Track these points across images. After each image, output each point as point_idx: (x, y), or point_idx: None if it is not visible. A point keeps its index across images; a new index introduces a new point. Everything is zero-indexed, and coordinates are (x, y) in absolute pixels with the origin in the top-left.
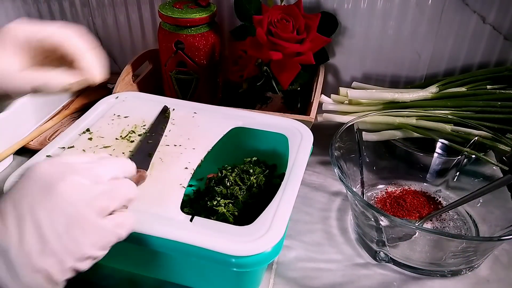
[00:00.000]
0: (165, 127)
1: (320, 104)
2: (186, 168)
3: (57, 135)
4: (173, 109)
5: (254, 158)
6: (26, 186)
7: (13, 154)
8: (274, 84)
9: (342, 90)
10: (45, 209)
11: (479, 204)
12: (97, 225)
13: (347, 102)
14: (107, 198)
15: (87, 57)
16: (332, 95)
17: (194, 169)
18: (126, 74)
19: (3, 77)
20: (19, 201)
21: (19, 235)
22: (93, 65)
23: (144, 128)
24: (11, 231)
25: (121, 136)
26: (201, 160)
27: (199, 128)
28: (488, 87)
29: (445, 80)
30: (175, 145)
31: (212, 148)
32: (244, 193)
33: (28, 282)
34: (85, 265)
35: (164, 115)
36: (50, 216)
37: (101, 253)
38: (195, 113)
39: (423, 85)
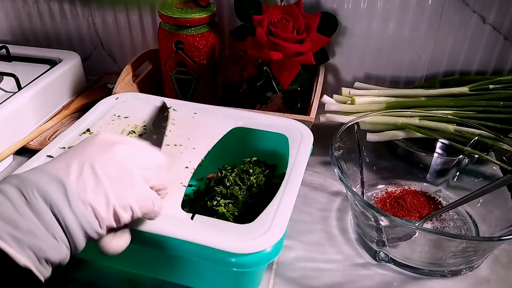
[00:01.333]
0: (166, 125)
1: (322, 105)
2: (187, 167)
3: (57, 135)
4: (174, 109)
5: (254, 158)
6: (88, 143)
7: (13, 154)
8: (274, 84)
9: (345, 90)
10: (102, 160)
11: (479, 204)
12: (142, 186)
13: (350, 102)
14: (152, 173)
15: None
16: (334, 96)
17: (195, 168)
18: (126, 74)
19: None
20: (81, 152)
21: (78, 174)
22: None
23: (144, 129)
24: (72, 170)
25: None
26: (202, 160)
27: (199, 128)
28: (491, 86)
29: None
30: (175, 145)
31: (212, 148)
32: (244, 193)
33: (78, 211)
34: (125, 216)
35: (163, 114)
36: (106, 165)
37: (138, 213)
38: (195, 113)
39: (423, 85)
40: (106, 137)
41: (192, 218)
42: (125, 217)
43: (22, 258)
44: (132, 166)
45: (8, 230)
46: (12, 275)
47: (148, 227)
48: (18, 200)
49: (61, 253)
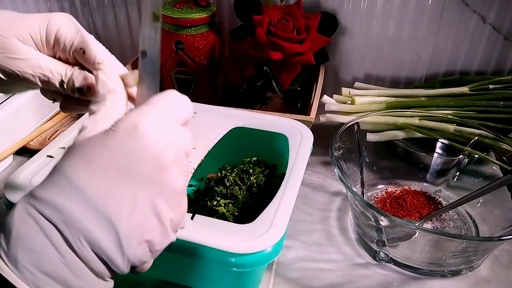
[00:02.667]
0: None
1: (322, 105)
2: None
3: (57, 135)
4: None
5: (254, 158)
6: (137, 155)
7: (13, 154)
8: (274, 84)
9: (345, 90)
10: (158, 190)
11: (479, 204)
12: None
13: (350, 102)
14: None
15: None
16: (334, 96)
17: (195, 168)
18: None
19: (14, 49)
20: (129, 172)
21: (131, 208)
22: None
23: None
24: (123, 203)
25: None
26: (202, 160)
27: (199, 128)
28: (491, 86)
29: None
30: None
31: (212, 147)
32: (244, 193)
33: (131, 255)
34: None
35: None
36: (162, 196)
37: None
38: (195, 113)
39: (423, 85)
40: (154, 148)
41: (192, 218)
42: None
43: None
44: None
45: None
46: None
47: None
48: (65, 249)
49: None
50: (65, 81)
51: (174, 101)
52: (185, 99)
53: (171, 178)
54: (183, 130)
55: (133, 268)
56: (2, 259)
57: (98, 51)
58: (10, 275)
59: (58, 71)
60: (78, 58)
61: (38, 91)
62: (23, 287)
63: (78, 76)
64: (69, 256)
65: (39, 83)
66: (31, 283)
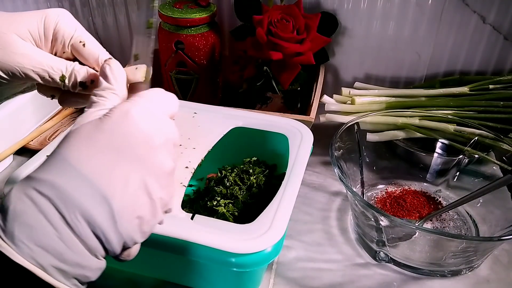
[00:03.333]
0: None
1: (322, 105)
2: (187, 167)
3: (57, 135)
4: None
5: (254, 158)
6: (127, 136)
7: (13, 154)
8: (274, 84)
9: (345, 90)
10: (150, 170)
11: (479, 204)
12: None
13: (350, 102)
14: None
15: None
16: (334, 96)
17: (195, 168)
18: None
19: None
20: (122, 150)
21: (123, 185)
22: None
23: None
24: (116, 180)
25: None
26: (202, 160)
27: (199, 128)
28: (491, 86)
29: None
30: None
31: (212, 147)
32: (244, 193)
33: (124, 231)
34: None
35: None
36: (154, 176)
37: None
38: (195, 113)
39: (423, 85)
40: (144, 130)
41: (192, 218)
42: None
43: None
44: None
45: (54, 263)
46: None
47: None
48: (60, 225)
49: (101, 269)
50: (66, 76)
51: (162, 95)
52: (172, 95)
53: (161, 159)
54: (170, 121)
55: (122, 252)
56: (0, 236)
57: (97, 45)
58: (7, 249)
59: (58, 67)
60: (75, 53)
61: (37, 92)
62: (20, 260)
63: (80, 71)
64: (64, 231)
65: (39, 79)
66: (28, 256)
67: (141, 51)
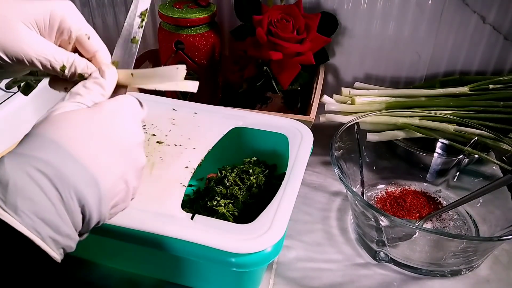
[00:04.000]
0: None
1: (322, 105)
2: (187, 167)
3: None
4: (174, 109)
5: (254, 158)
6: (116, 126)
7: None
8: (274, 84)
9: (345, 90)
10: (132, 168)
11: (479, 204)
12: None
13: (350, 102)
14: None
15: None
16: (334, 96)
17: (195, 168)
18: None
19: (18, 35)
20: (112, 139)
21: (114, 179)
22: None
23: (144, 128)
24: (109, 171)
25: None
26: (202, 160)
27: (200, 128)
28: (491, 86)
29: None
30: (175, 145)
31: (212, 147)
32: (244, 193)
33: (104, 213)
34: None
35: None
36: (135, 175)
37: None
38: (195, 113)
39: (423, 85)
40: (131, 128)
41: (192, 218)
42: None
43: (57, 256)
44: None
45: (51, 234)
46: (48, 270)
47: (148, 227)
48: (57, 201)
49: (77, 241)
50: (67, 67)
51: (137, 102)
52: (144, 103)
53: (139, 155)
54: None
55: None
56: (1, 207)
57: (99, 39)
58: (10, 219)
59: (60, 57)
60: (78, 45)
61: (37, 92)
62: (22, 229)
63: (80, 63)
64: (60, 207)
65: (40, 67)
66: (30, 226)
67: (121, 60)
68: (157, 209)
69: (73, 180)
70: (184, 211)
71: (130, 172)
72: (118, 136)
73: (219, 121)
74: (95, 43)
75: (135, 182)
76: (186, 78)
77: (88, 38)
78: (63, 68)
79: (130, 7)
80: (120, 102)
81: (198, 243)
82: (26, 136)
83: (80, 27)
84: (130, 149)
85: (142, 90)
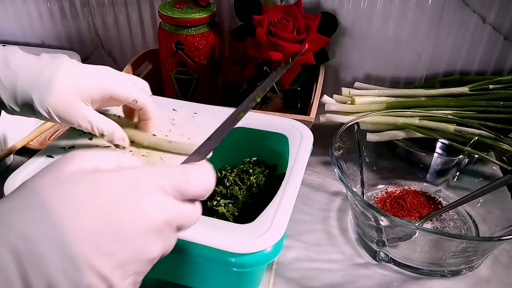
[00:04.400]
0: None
1: (322, 105)
2: None
3: (57, 135)
4: (174, 109)
5: (254, 158)
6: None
7: (13, 154)
8: (274, 84)
9: (345, 90)
10: (129, 256)
11: (479, 204)
12: None
13: (350, 102)
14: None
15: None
16: (334, 95)
17: None
18: None
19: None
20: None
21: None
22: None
23: None
24: (94, 251)
25: None
26: None
27: (200, 128)
28: (491, 86)
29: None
30: None
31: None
32: (244, 193)
33: None
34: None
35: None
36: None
37: None
38: (195, 113)
39: (423, 85)
40: (149, 217)
41: None
42: None
43: None
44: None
45: None
46: None
47: None
48: (17, 286)
49: None
50: (106, 135)
51: (177, 174)
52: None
53: (149, 244)
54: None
55: None
56: None
57: (144, 101)
58: None
59: (101, 127)
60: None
61: None
62: None
63: (118, 136)
64: None
65: (85, 130)
66: None
67: (215, 136)
68: None
69: (48, 264)
70: None
71: (130, 265)
72: (124, 221)
73: (219, 121)
74: (140, 104)
75: (133, 277)
76: (186, 78)
77: (136, 102)
78: (101, 135)
79: (129, 8)
80: (149, 173)
81: (198, 243)
82: (22, 185)
83: (128, 97)
84: (136, 235)
85: None
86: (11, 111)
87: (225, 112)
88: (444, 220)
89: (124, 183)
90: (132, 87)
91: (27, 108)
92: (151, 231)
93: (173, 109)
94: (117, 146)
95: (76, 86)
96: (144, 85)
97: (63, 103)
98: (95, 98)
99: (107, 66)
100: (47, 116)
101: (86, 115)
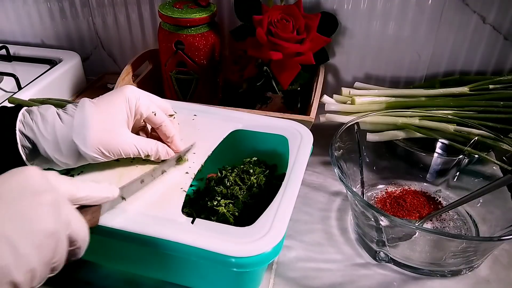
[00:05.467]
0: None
1: (322, 105)
2: (187, 172)
3: None
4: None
5: (254, 158)
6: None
7: None
8: (274, 84)
9: (345, 90)
10: None
11: (479, 204)
12: None
13: (350, 102)
14: None
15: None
16: (334, 96)
17: (195, 173)
18: (126, 74)
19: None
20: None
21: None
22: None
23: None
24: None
25: None
26: (202, 165)
27: (199, 131)
28: (491, 86)
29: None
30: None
31: (212, 152)
32: (244, 193)
33: None
34: None
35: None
36: None
37: None
38: (195, 115)
39: (423, 85)
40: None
41: (192, 222)
42: None
43: None
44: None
45: None
46: None
47: (149, 231)
48: None
49: None
50: (151, 155)
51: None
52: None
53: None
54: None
55: None
56: None
57: (161, 113)
58: None
59: (146, 149)
60: (147, 120)
61: (37, 92)
62: None
63: (162, 151)
64: None
65: (132, 156)
66: None
67: (146, 179)
68: (158, 213)
69: None
70: (184, 216)
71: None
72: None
73: (219, 123)
74: (159, 117)
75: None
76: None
77: (155, 114)
78: (147, 156)
79: (129, 8)
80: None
81: (198, 247)
82: None
83: (148, 108)
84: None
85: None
86: (57, 164)
87: (225, 113)
88: (444, 220)
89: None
90: (159, 109)
91: (72, 155)
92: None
93: (173, 111)
94: (163, 161)
95: (109, 110)
96: (166, 106)
97: (103, 135)
98: (128, 118)
99: (130, 85)
100: (93, 154)
101: (131, 141)
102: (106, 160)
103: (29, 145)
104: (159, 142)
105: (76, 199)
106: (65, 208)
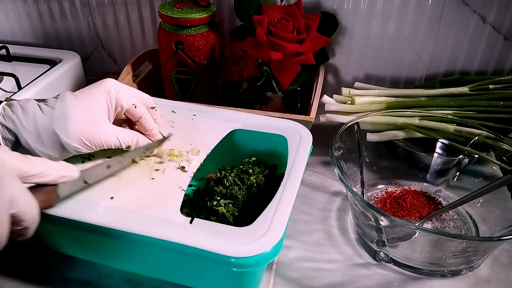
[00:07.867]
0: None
1: (322, 105)
2: (186, 171)
3: None
4: (173, 111)
5: (254, 158)
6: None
7: None
8: (274, 84)
9: (345, 90)
10: None
11: (479, 204)
12: None
13: (350, 102)
14: None
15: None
16: (334, 96)
17: (194, 172)
18: (126, 74)
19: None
20: None
21: None
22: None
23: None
24: None
25: None
26: (201, 164)
27: (199, 130)
28: (491, 86)
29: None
30: (174, 148)
31: (211, 151)
32: (244, 193)
33: None
34: None
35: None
36: None
37: None
38: (194, 115)
39: (423, 85)
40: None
41: (191, 222)
42: None
43: None
44: None
45: None
46: None
47: (147, 231)
48: None
49: None
50: (132, 146)
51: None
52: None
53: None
54: None
55: None
56: None
57: (142, 107)
58: None
59: (127, 140)
60: (127, 113)
61: (37, 92)
62: None
63: (143, 142)
64: None
65: (113, 147)
66: None
67: (90, 180)
68: (156, 213)
69: None
70: (183, 215)
71: None
72: None
73: (218, 123)
74: (139, 109)
75: None
76: (186, 78)
77: (135, 107)
78: (128, 147)
79: (129, 8)
80: None
81: (197, 248)
82: None
83: (128, 100)
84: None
85: (142, 90)
86: (39, 155)
87: (224, 113)
88: (444, 220)
89: None
90: (140, 102)
91: (54, 146)
92: None
93: (172, 111)
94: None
95: (88, 102)
96: (147, 99)
97: (85, 126)
98: (109, 110)
99: (110, 78)
100: (75, 145)
101: (113, 132)
102: (89, 151)
103: (10, 137)
104: (140, 134)
105: (29, 177)
106: (9, 185)
